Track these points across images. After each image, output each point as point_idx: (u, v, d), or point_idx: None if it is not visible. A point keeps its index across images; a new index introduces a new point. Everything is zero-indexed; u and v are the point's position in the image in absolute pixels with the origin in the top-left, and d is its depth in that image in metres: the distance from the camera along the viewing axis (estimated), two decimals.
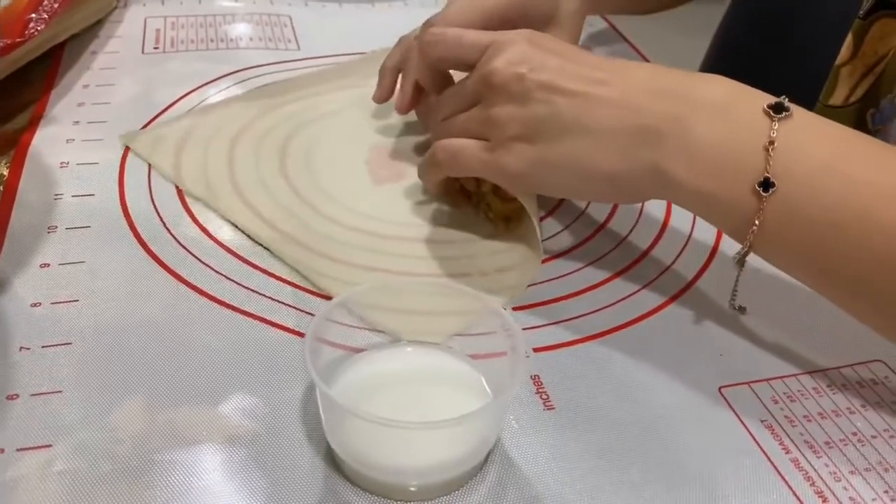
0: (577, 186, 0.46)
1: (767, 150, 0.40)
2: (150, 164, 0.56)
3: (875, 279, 0.39)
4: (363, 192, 0.56)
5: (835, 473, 0.39)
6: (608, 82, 0.44)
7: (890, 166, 0.40)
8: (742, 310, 0.47)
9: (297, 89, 0.67)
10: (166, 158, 0.57)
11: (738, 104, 0.42)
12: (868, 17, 0.57)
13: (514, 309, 0.47)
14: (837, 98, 0.60)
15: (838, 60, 0.60)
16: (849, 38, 0.59)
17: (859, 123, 0.59)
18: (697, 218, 0.55)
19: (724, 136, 0.41)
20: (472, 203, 0.54)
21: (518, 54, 0.45)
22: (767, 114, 0.40)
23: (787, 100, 0.41)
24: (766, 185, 0.40)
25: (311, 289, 0.47)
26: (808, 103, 0.62)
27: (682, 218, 0.55)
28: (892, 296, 0.39)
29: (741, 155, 0.40)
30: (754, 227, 0.41)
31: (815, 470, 0.39)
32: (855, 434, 0.41)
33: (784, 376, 0.44)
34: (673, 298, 0.49)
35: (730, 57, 0.82)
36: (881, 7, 0.57)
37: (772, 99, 0.41)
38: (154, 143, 0.58)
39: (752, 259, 0.50)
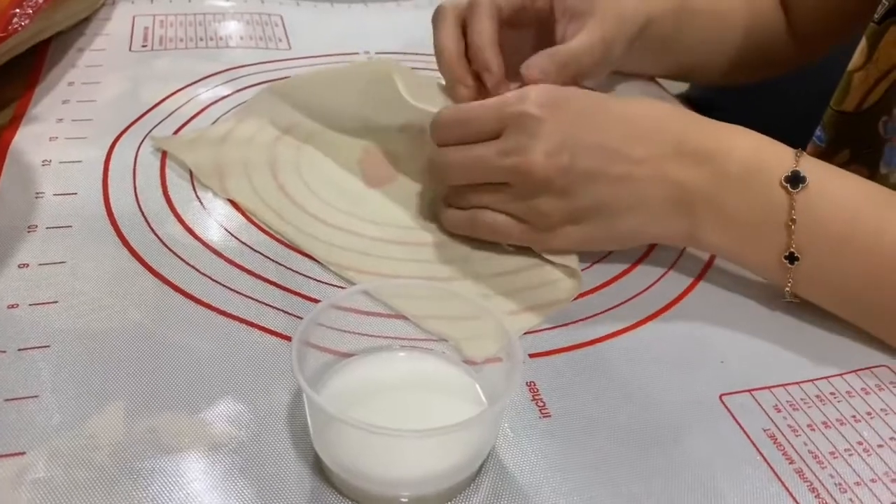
0: (619, 248, 0.50)
1: (789, 227, 0.43)
2: (135, 163, 0.55)
3: None
4: (356, 194, 0.54)
5: (840, 485, 0.37)
6: (644, 161, 0.45)
7: None
8: (795, 297, 0.47)
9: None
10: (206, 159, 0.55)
11: (760, 174, 0.44)
12: (883, 21, 0.56)
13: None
14: (849, 104, 0.59)
15: (851, 65, 0.58)
16: (862, 43, 0.57)
17: (871, 131, 0.58)
18: None
19: (748, 212, 0.44)
20: None
21: (554, 142, 0.45)
22: (785, 188, 0.43)
23: (802, 155, 0.44)
24: (791, 258, 0.44)
25: (300, 291, 0.45)
26: (820, 108, 0.61)
27: None
28: None
29: (766, 229, 0.44)
30: (788, 288, 0.45)
31: (819, 481, 0.38)
32: (860, 443, 0.40)
33: (786, 384, 0.43)
34: (672, 304, 0.47)
35: None
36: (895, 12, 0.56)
37: (790, 165, 0.44)
38: (191, 146, 0.57)
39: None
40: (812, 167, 0.44)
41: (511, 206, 0.47)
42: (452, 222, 0.50)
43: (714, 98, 0.88)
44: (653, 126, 0.46)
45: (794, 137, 0.52)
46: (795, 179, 0.43)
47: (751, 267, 0.47)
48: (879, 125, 0.57)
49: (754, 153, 0.45)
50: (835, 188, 0.44)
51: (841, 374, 0.44)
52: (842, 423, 0.41)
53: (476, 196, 0.48)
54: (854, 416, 0.41)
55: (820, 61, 0.73)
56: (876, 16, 0.57)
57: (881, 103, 0.57)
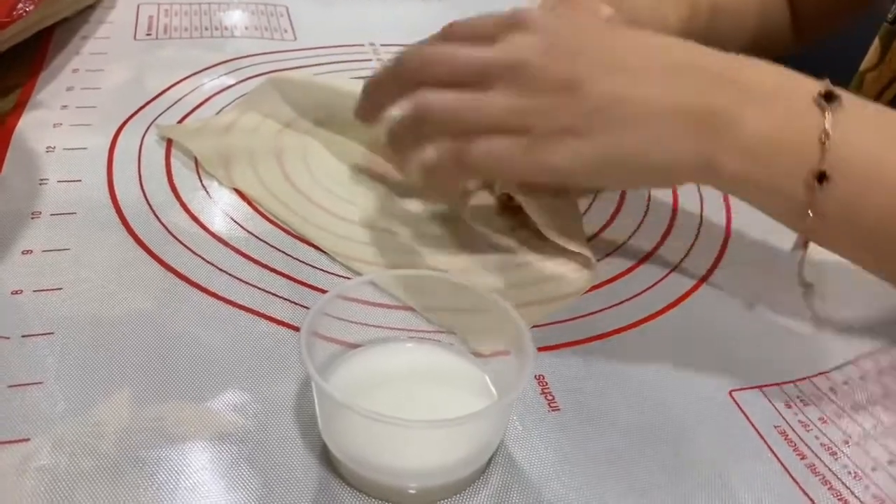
0: (625, 180, 0.44)
1: (822, 142, 0.39)
2: (140, 151, 0.54)
3: None
4: (362, 185, 0.54)
5: (855, 473, 0.37)
6: (658, 64, 0.41)
7: None
8: (809, 286, 0.46)
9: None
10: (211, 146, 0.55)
11: (789, 92, 0.41)
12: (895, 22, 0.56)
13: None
14: None
15: (864, 65, 0.58)
16: (875, 43, 0.57)
17: None
18: (705, 217, 0.54)
19: (777, 128, 0.40)
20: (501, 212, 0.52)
21: (560, 36, 0.41)
22: (819, 104, 0.39)
23: (832, 85, 0.40)
24: (822, 177, 0.39)
25: (307, 281, 0.45)
26: None
27: (688, 218, 0.54)
28: None
29: (795, 147, 0.39)
30: (809, 217, 0.40)
31: (832, 473, 0.37)
32: (876, 427, 0.39)
33: (797, 380, 0.42)
34: (681, 299, 0.47)
35: None
36: None
37: (821, 86, 0.40)
38: (196, 134, 0.56)
39: (763, 258, 0.49)
40: (845, 93, 0.41)
41: (503, 110, 0.40)
42: (427, 162, 0.41)
43: None
44: (666, 44, 0.43)
45: None
46: (830, 96, 0.40)
47: (770, 196, 0.41)
48: None
49: (779, 74, 0.42)
50: (870, 111, 0.41)
51: (854, 361, 0.43)
52: (856, 410, 0.40)
53: (464, 107, 0.41)
54: (869, 400, 0.41)
55: (831, 61, 0.73)
56: (889, 16, 0.56)
57: (894, 103, 0.57)
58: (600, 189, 0.55)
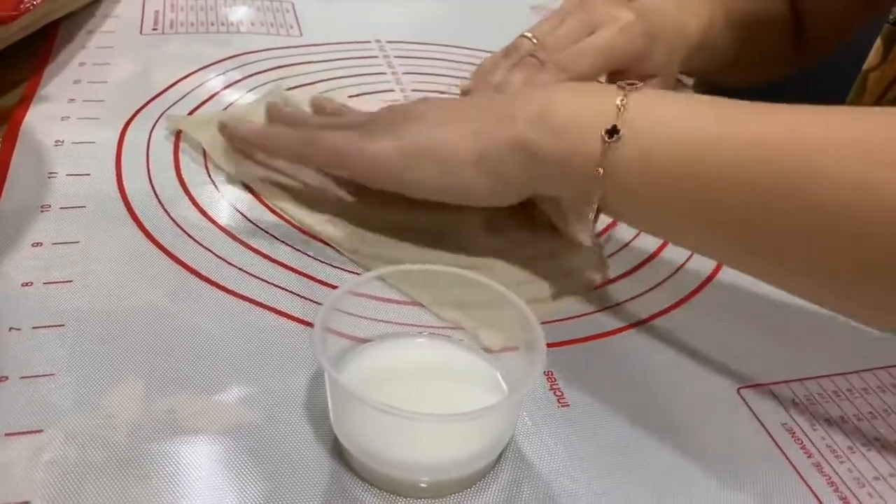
0: (441, 178, 0.45)
1: (619, 107, 0.40)
2: (148, 145, 0.55)
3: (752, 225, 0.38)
4: None
5: (858, 479, 0.37)
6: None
7: (755, 117, 0.39)
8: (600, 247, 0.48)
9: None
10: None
11: (595, 87, 0.45)
12: None
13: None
14: (866, 103, 0.59)
15: (866, 65, 0.58)
16: (877, 43, 0.57)
17: None
18: None
19: (579, 105, 0.42)
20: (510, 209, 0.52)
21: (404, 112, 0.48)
22: (620, 87, 0.41)
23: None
24: (613, 132, 0.40)
25: (315, 276, 0.45)
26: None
27: None
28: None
29: (593, 113, 0.41)
30: (599, 172, 0.40)
31: (838, 475, 0.37)
32: (878, 439, 0.40)
33: (804, 379, 0.43)
34: (688, 297, 0.47)
35: None
36: None
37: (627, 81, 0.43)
38: (206, 127, 0.56)
39: None
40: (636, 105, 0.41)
41: (348, 121, 0.50)
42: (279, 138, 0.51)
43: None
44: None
45: None
46: (632, 84, 0.42)
47: (572, 166, 0.42)
48: None
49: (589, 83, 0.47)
50: (668, 94, 0.44)
51: (858, 372, 0.44)
52: (859, 419, 0.41)
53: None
54: (871, 413, 0.41)
55: (831, 62, 0.73)
56: (891, 17, 0.56)
57: None
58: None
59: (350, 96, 0.64)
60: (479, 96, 0.52)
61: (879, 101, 0.58)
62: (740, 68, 0.69)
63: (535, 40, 0.57)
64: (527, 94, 0.47)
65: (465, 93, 0.60)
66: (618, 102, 0.40)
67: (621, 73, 0.56)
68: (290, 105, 0.60)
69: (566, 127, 0.41)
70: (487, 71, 0.57)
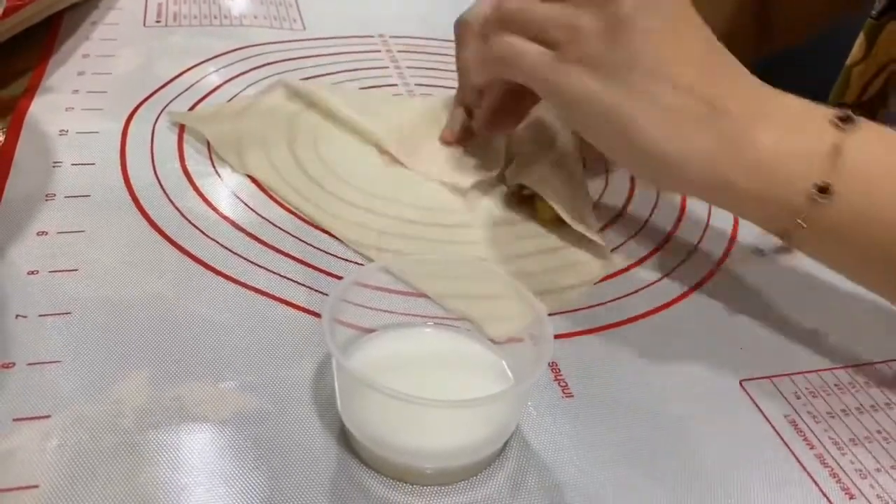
0: (620, 150, 0.42)
1: (833, 156, 0.38)
2: (152, 136, 0.55)
3: None
4: (374, 172, 0.54)
5: (860, 471, 0.38)
6: (704, 68, 0.40)
7: None
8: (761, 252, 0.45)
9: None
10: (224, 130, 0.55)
11: (806, 113, 0.40)
12: (881, 17, 0.57)
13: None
14: (849, 97, 0.59)
15: (850, 60, 0.59)
16: (860, 38, 0.58)
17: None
18: (714, 207, 0.54)
19: (787, 142, 0.39)
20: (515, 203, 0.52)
21: None
22: (835, 124, 0.39)
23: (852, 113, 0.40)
24: (825, 189, 0.38)
25: (321, 266, 0.45)
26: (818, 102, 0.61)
27: (698, 207, 0.54)
28: None
29: (804, 158, 0.39)
30: (800, 227, 0.39)
31: (840, 467, 0.38)
32: (880, 432, 0.40)
33: (806, 372, 0.43)
34: (692, 290, 0.47)
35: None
36: (894, 8, 0.57)
37: (840, 112, 0.40)
38: (209, 119, 0.56)
39: (775, 248, 0.49)
40: (864, 119, 0.40)
41: (549, 18, 0.42)
42: (467, 65, 0.49)
43: None
44: (717, 48, 0.42)
45: None
46: (847, 118, 0.39)
47: (765, 202, 0.40)
48: (879, 117, 0.58)
49: (801, 100, 0.41)
50: (886, 133, 0.40)
51: (859, 365, 0.44)
52: (861, 412, 0.41)
53: (521, 9, 0.44)
54: (872, 406, 0.41)
55: (815, 56, 0.74)
56: (873, 11, 0.57)
57: (880, 96, 0.58)
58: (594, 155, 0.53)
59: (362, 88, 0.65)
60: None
61: (862, 95, 0.58)
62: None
63: None
64: (741, 87, 0.41)
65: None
66: (832, 145, 0.38)
67: None
68: (302, 94, 0.60)
69: (769, 166, 0.39)
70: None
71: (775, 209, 0.40)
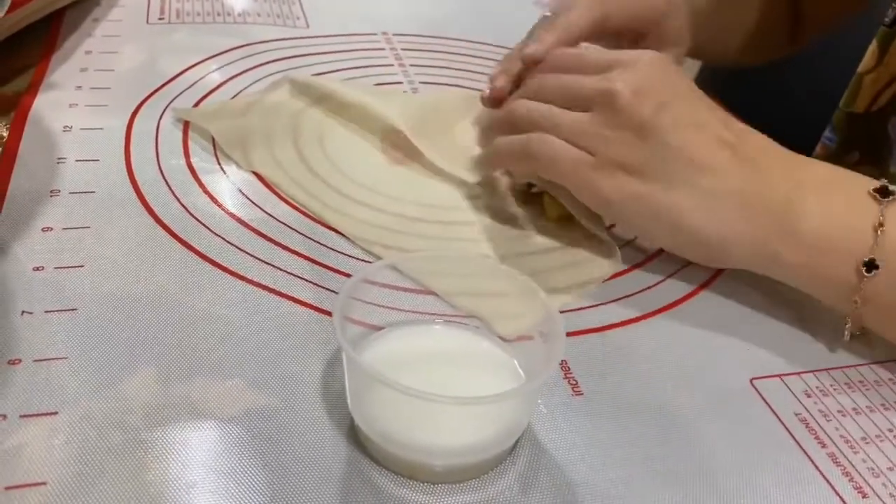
0: (665, 239, 0.46)
1: (876, 231, 0.40)
2: (157, 133, 0.54)
3: None
4: (378, 170, 0.54)
5: (873, 469, 0.37)
6: (734, 146, 0.43)
7: None
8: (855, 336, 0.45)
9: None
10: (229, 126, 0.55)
11: (844, 185, 0.43)
12: (894, 25, 0.56)
13: None
14: (860, 105, 0.59)
15: (862, 68, 0.58)
16: (873, 46, 0.58)
17: (881, 132, 0.58)
18: None
19: (832, 217, 0.42)
20: (522, 200, 0.52)
21: (652, 84, 0.44)
22: (874, 197, 0.41)
23: (888, 183, 0.42)
24: (871, 265, 0.40)
25: (327, 263, 0.45)
26: (825, 109, 0.61)
27: None
28: None
29: (849, 234, 0.41)
30: (856, 302, 0.41)
31: (852, 465, 0.38)
32: (892, 430, 0.40)
33: (816, 370, 0.43)
34: (701, 287, 0.47)
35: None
36: None
37: (875, 182, 0.42)
38: (214, 116, 0.56)
39: None
40: None
41: (581, 128, 0.45)
42: (504, 145, 0.48)
43: (720, 98, 0.88)
44: (743, 130, 0.45)
45: (801, 138, 0.52)
46: (885, 191, 0.41)
47: (819, 282, 0.43)
48: (889, 126, 0.58)
49: (834, 169, 0.44)
50: None
51: (869, 364, 0.44)
52: (872, 411, 0.41)
53: (550, 115, 0.46)
54: (883, 405, 0.41)
55: (829, 64, 0.73)
56: (887, 19, 0.57)
57: (891, 105, 0.58)
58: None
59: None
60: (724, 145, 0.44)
61: (872, 104, 0.58)
62: (741, 41, 0.69)
63: None
64: (774, 169, 0.44)
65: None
66: (875, 222, 0.40)
67: (643, 39, 0.56)
68: (312, 88, 0.59)
69: (816, 245, 0.41)
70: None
71: (823, 281, 0.42)
